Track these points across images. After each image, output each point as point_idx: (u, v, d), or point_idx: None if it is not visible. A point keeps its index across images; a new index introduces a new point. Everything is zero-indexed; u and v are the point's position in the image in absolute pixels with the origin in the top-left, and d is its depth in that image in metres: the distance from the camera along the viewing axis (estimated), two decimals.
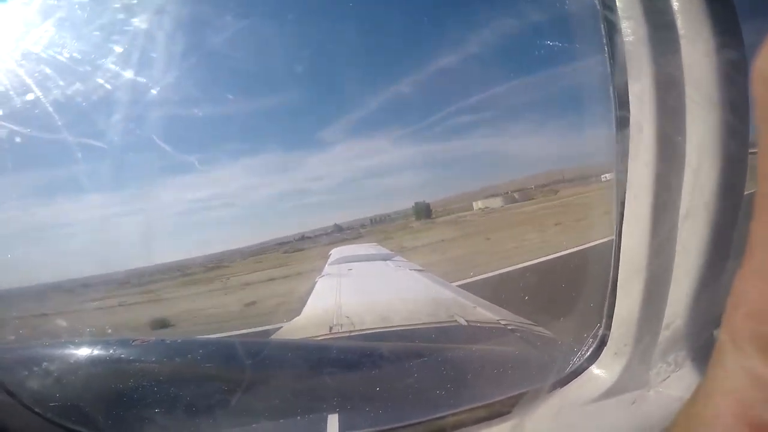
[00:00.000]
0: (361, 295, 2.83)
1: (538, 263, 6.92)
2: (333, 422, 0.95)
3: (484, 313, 2.04)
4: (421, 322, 1.94)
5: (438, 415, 0.72)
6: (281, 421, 1.04)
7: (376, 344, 1.64)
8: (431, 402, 0.98)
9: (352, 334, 1.87)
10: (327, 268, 4.47)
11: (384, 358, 1.30)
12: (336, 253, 6.44)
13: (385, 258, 4.99)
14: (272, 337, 2.36)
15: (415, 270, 3.88)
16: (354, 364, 1.30)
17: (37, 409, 0.67)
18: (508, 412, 0.68)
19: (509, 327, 1.77)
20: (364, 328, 1.93)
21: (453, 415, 0.71)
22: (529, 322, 1.83)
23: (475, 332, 1.80)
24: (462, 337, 1.75)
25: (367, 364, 1.28)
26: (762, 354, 0.23)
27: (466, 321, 1.88)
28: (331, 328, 1.97)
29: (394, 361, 1.27)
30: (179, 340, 1.49)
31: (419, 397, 1.03)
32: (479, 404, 0.72)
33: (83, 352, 1.18)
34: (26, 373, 0.92)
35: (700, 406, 0.27)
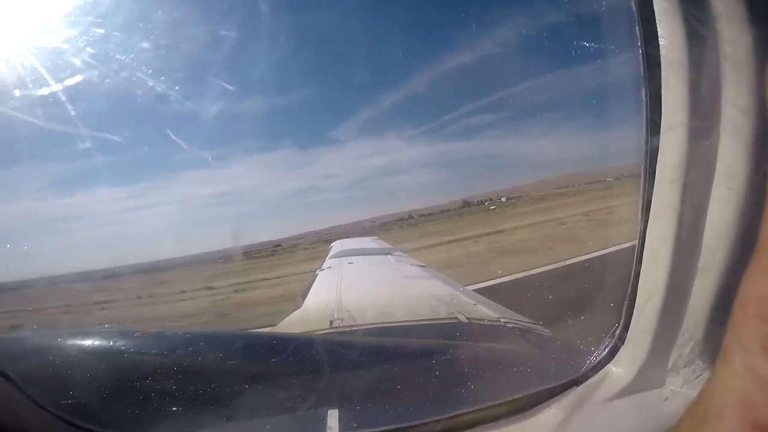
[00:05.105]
0: (362, 290, 2.82)
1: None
2: (333, 418, 0.95)
3: (485, 311, 2.03)
4: (422, 318, 1.93)
5: (448, 415, 0.71)
6: (281, 415, 1.03)
7: (378, 340, 1.64)
8: (439, 401, 0.97)
9: (353, 328, 1.87)
10: (328, 261, 4.46)
11: (386, 354, 1.29)
12: (337, 245, 6.43)
13: (385, 252, 4.98)
14: (273, 329, 2.37)
15: (415, 265, 3.87)
16: (355, 360, 1.29)
17: (36, 398, 0.66)
18: (520, 411, 0.68)
19: (510, 325, 1.77)
20: (365, 323, 1.93)
21: (464, 414, 0.70)
22: (531, 321, 1.82)
23: (477, 330, 1.79)
24: (464, 334, 1.74)
25: (368, 360, 1.28)
26: None
27: (467, 318, 1.88)
28: (331, 322, 1.97)
29: (397, 358, 1.27)
30: (179, 333, 1.48)
31: (426, 396, 1.03)
32: (490, 403, 0.71)
33: (83, 343, 1.17)
34: (27, 363, 0.92)
35: (705, 406, 0.26)
